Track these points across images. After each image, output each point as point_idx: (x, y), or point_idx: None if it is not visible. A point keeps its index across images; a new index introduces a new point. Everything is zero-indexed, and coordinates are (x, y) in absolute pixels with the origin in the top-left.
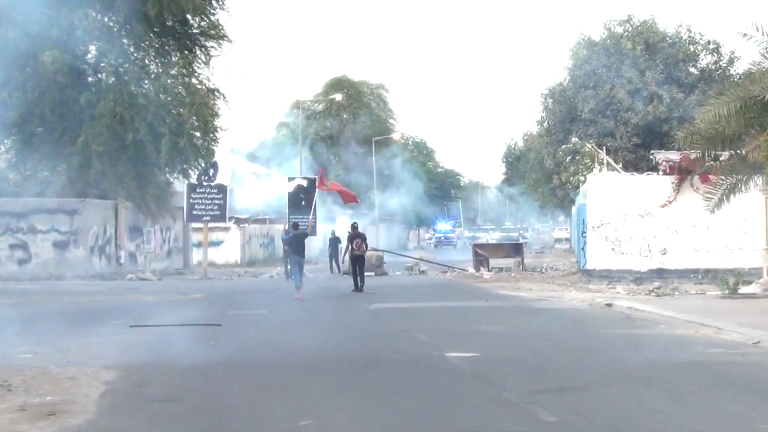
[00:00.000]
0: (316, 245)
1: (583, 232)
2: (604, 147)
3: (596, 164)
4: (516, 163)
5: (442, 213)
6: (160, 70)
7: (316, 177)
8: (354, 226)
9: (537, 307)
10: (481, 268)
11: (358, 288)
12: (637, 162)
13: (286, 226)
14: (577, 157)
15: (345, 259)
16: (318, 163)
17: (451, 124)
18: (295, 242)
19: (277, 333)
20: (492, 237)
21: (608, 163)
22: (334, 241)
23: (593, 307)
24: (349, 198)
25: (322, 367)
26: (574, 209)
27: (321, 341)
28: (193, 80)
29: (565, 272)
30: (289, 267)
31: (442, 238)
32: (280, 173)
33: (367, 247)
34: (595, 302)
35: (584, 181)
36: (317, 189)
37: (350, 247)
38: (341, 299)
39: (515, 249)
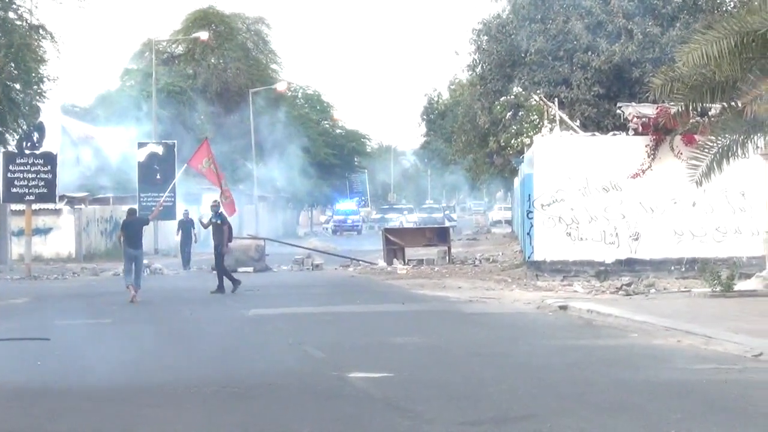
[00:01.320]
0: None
1: (529, 212)
2: (556, 99)
3: (546, 122)
4: (440, 122)
5: (342, 188)
6: None
7: (199, 152)
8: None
9: (468, 311)
10: (395, 260)
11: (219, 289)
12: (600, 118)
13: (135, 208)
14: (520, 113)
15: (229, 247)
16: (170, 119)
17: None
18: (130, 231)
19: (125, 349)
20: (408, 219)
21: (562, 121)
22: (187, 224)
23: (543, 311)
24: (231, 207)
25: (185, 395)
26: (516, 182)
27: (184, 359)
28: (10, 14)
29: (505, 265)
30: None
31: (344, 221)
32: (127, 138)
33: (231, 234)
34: (546, 304)
35: (530, 145)
36: (188, 164)
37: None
38: (209, 303)
39: (440, 235)
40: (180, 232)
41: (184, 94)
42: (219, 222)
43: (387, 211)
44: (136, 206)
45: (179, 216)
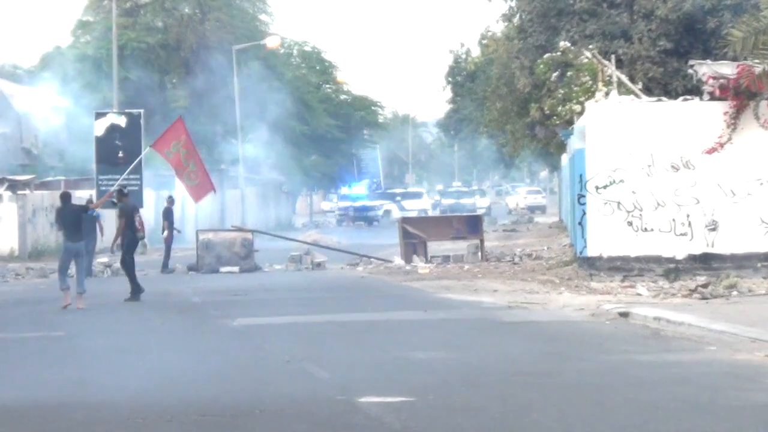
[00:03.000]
0: (145, 220)
1: (581, 197)
2: (613, 56)
3: (600, 85)
4: (469, 85)
5: (349, 169)
6: None
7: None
8: (122, 192)
9: (506, 319)
10: (415, 257)
11: (135, 294)
12: (667, 80)
13: (92, 195)
14: (568, 74)
15: (117, 244)
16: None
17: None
18: (66, 221)
19: (83, 367)
20: (428, 205)
21: (620, 83)
22: (168, 213)
23: (598, 319)
24: (200, 190)
25: (157, 425)
26: (564, 159)
27: (157, 381)
28: None
29: (551, 262)
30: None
31: (354, 209)
32: (81, 106)
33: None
34: (602, 311)
35: (581, 113)
36: (152, 147)
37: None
38: (185, 311)
39: (470, 225)
40: (166, 224)
41: (152, 53)
42: (120, 210)
43: (403, 197)
44: (70, 191)
45: (149, 202)
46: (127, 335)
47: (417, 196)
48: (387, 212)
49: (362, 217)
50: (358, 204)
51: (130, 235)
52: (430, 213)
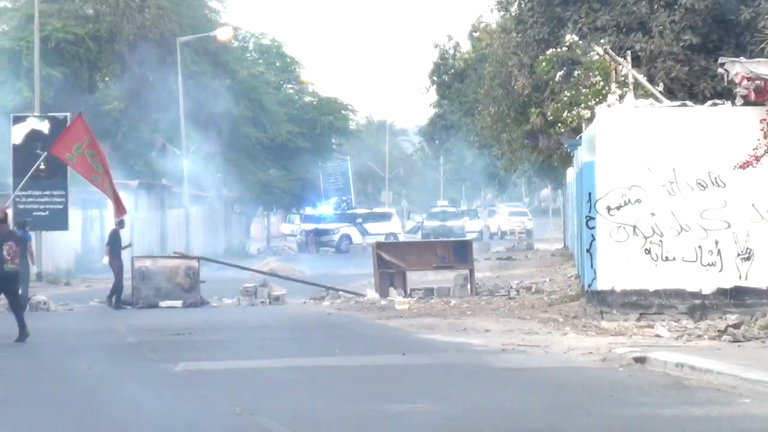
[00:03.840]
0: (70, 244)
1: (590, 219)
2: (629, 53)
3: (614, 86)
4: (457, 86)
5: (314, 184)
6: None
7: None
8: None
9: (500, 365)
10: (391, 289)
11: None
12: (693, 81)
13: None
14: (576, 73)
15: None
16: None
17: (331, 13)
18: None
19: None
20: (399, 227)
21: (637, 84)
22: (114, 237)
23: (610, 365)
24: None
25: None
26: (570, 174)
27: None
28: None
29: (554, 297)
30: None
31: (306, 233)
32: None
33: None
34: (615, 355)
35: (591, 119)
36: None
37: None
38: (120, 354)
39: (457, 252)
40: (109, 248)
41: (81, 45)
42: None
43: (374, 219)
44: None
45: (78, 225)
46: (48, 382)
47: (384, 217)
48: (345, 237)
49: (319, 242)
50: (309, 227)
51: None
52: (401, 238)
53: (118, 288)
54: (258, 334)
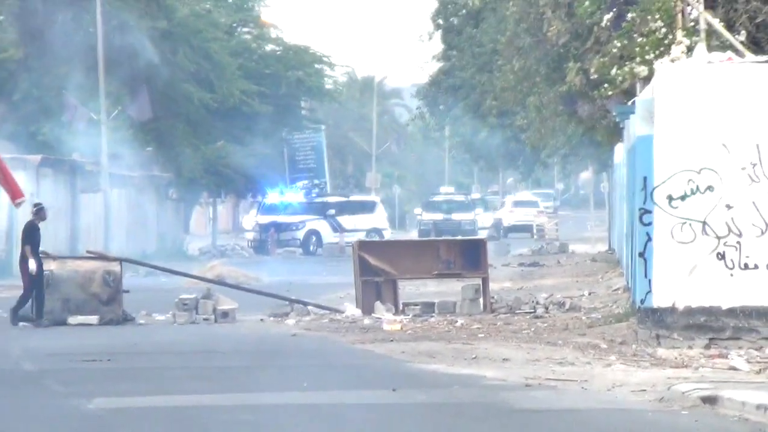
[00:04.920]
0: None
1: (644, 212)
2: None
3: (680, 34)
4: (470, 32)
5: (277, 162)
6: None
7: None
8: None
9: (523, 406)
10: (378, 304)
11: None
12: None
13: None
14: (630, 16)
15: None
16: None
17: None
18: None
19: None
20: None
21: (711, 32)
22: (32, 232)
23: (669, 407)
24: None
25: None
26: (619, 152)
27: None
28: None
29: (595, 316)
30: None
31: (261, 227)
32: None
33: None
34: (676, 393)
35: (648, 78)
36: None
37: None
38: (15, 387)
39: (467, 255)
40: (28, 249)
41: None
42: None
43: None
44: None
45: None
46: None
47: (365, 207)
48: (313, 234)
49: (279, 240)
50: (265, 221)
51: None
52: (388, 236)
53: (26, 299)
54: (199, 360)
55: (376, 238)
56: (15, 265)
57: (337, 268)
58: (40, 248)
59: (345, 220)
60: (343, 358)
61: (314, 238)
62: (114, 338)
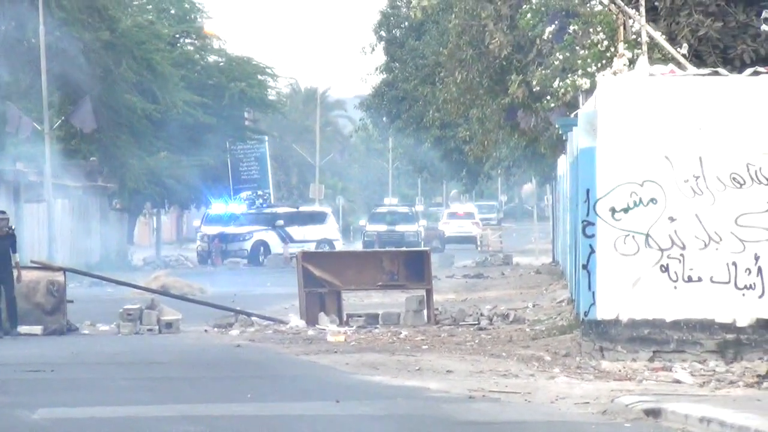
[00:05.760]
0: None
1: (588, 225)
2: (642, 2)
3: (622, 47)
4: (413, 44)
5: (221, 174)
6: None
7: None
8: None
9: (466, 417)
10: (322, 315)
11: None
12: (729, 42)
13: None
14: (571, 29)
15: None
16: None
17: None
18: None
19: None
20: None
21: (653, 45)
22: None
23: (613, 420)
24: None
25: None
26: (562, 164)
27: None
28: None
29: (539, 328)
30: None
31: (209, 238)
32: None
33: None
34: (619, 406)
35: (590, 91)
36: None
37: None
38: None
39: (411, 266)
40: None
41: None
42: None
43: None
44: None
45: None
46: None
47: (316, 219)
48: (261, 244)
49: (225, 251)
50: (212, 232)
51: None
52: (339, 247)
53: None
54: (143, 371)
55: (328, 249)
56: None
57: (282, 279)
58: None
59: (294, 231)
60: (287, 369)
61: (262, 249)
62: (58, 348)
